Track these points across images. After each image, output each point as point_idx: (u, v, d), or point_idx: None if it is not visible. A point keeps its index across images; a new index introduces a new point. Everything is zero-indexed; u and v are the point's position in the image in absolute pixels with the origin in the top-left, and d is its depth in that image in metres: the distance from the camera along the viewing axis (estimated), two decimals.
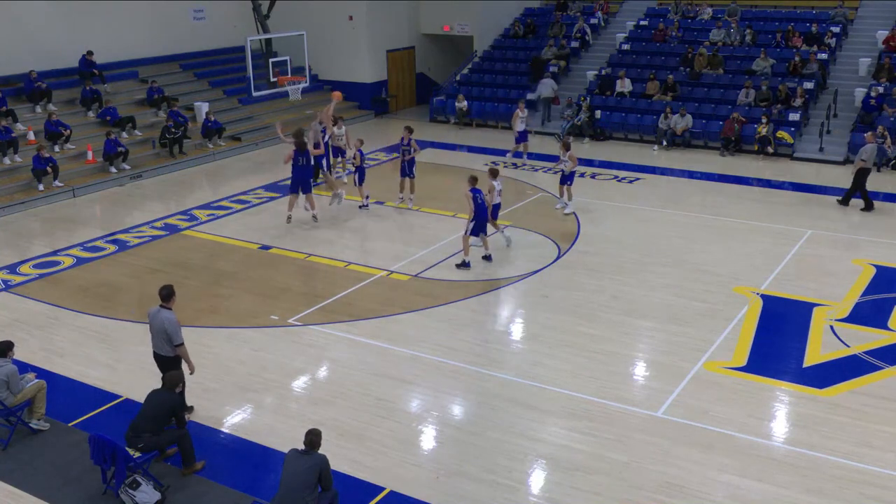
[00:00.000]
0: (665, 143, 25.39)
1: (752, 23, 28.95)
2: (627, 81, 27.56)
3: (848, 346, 12.60)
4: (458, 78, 31.28)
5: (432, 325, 13.50)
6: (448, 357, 12.29)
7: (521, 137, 24.09)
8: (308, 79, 25.79)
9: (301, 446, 8.24)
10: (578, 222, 18.11)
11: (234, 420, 10.84)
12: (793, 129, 24.31)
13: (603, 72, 28.70)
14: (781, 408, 11.16)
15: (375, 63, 31.27)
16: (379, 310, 13.96)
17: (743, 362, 12.20)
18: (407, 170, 19.39)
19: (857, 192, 18.98)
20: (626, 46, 29.96)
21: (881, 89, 24.35)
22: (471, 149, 25.80)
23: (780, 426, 10.77)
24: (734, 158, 24.20)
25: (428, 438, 10.44)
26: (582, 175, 22.31)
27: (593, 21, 31.63)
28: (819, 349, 12.58)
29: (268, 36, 27.75)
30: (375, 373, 11.82)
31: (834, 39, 27.32)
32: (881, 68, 25.34)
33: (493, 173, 16.37)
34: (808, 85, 25.51)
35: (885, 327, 13.24)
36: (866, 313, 13.76)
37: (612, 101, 27.39)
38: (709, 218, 18.64)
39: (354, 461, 9.79)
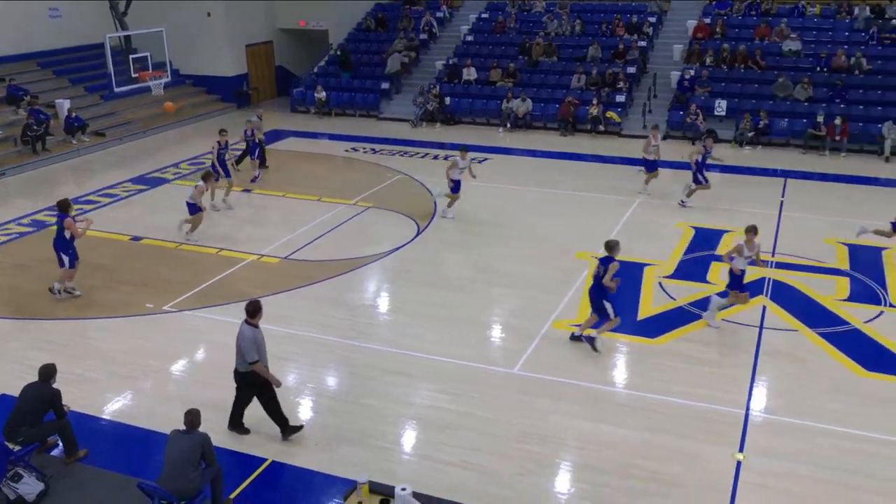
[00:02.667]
0: (509, 125, 25.90)
1: (581, 14, 29.84)
2: (473, 70, 27.89)
3: (674, 299, 13.30)
4: (315, 70, 30.82)
5: (303, 304, 13.34)
6: (320, 333, 12.20)
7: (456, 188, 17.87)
8: (169, 74, 24.79)
9: (182, 427, 8.02)
10: (435, 201, 18.25)
11: (116, 406, 10.39)
12: (619, 109, 25.30)
13: (450, 61, 28.92)
14: (621, 357, 11.67)
15: (235, 57, 30.39)
16: (252, 292, 13.65)
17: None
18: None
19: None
20: (470, 38, 30.27)
21: (692, 72, 25.68)
22: (331, 136, 25.50)
23: (620, 374, 11.28)
24: (571, 137, 24.95)
25: (305, 409, 10.35)
26: (435, 157, 22.52)
27: (439, 15, 31.78)
28: (650, 303, 13.23)
29: (127, 33, 26.46)
30: None
31: (651, 28, 28.56)
32: (692, 53, 26.70)
33: (462, 151, 17.23)
34: (631, 69, 26.59)
35: (705, 281, 14.05)
36: (688, 269, 14.55)
37: (459, 89, 27.67)
38: (551, 192, 19.20)
39: (237, 437, 9.59)
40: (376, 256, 15.29)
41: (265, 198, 19.05)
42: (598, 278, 11.47)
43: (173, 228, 16.37)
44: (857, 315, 12.72)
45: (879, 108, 23.31)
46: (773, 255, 15.11)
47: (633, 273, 14.33)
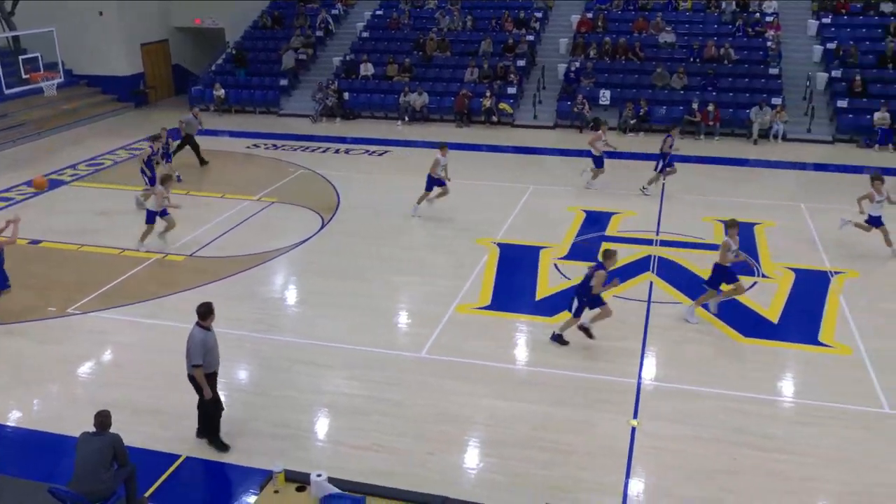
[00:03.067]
0: (407, 118, 25.85)
1: (472, 10, 30.02)
2: (370, 65, 27.69)
3: (569, 279, 13.58)
4: (213, 68, 29.96)
5: (211, 300, 12.95)
6: (230, 327, 11.88)
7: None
8: (62, 74, 23.58)
9: (92, 429, 7.70)
10: (338, 194, 18.08)
11: (22, 413, 9.90)
12: (511, 100, 25.62)
13: (347, 58, 28.62)
14: (522, 336, 11.87)
15: (130, 56, 29.19)
16: (158, 290, 13.24)
17: (488, 302, 12.84)
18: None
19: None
20: (365, 34, 30.03)
21: (578, 64, 26.25)
22: (232, 133, 24.87)
23: (522, 352, 11.47)
24: (467, 129, 25.12)
25: None
26: (336, 151, 22.29)
27: (334, 12, 31.38)
28: (547, 284, 13.50)
29: (15, 33, 25.05)
30: (161, 350, 11.17)
31: (538, 23, 29.01)
32: (577, 46, 27.28)
33: (441, 149, 16.56)
34: (521, 63, 26.96)
35: (596, 260, 14.41)
36: (581, 250, 14.89)
37: (357, 84, 27.43)
38: (451, 182, 19.25)
39: (151, 435, 9.28)
40: (282, 250, 15.03)
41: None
42: (586, 281, 11.12)
43: (73, 230, 15.65)
44: None
45: (747, 94, 24.41)
46: (657, 234, 15.65)
47: (530, 256, 14.59)
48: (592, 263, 11.52)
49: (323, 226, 16.31)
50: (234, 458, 8.90)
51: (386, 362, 11.00)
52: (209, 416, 9.01)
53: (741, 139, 23.41)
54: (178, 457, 8.93)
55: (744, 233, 15.62)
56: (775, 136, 23.17)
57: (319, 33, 30.36)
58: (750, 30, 26.80)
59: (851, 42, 25.48)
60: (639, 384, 10.40)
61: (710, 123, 23.60)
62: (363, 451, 9.03)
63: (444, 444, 9.20)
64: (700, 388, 10.29)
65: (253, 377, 10.79)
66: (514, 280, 13.71)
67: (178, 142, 20.64)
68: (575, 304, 11.22)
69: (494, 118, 25.22)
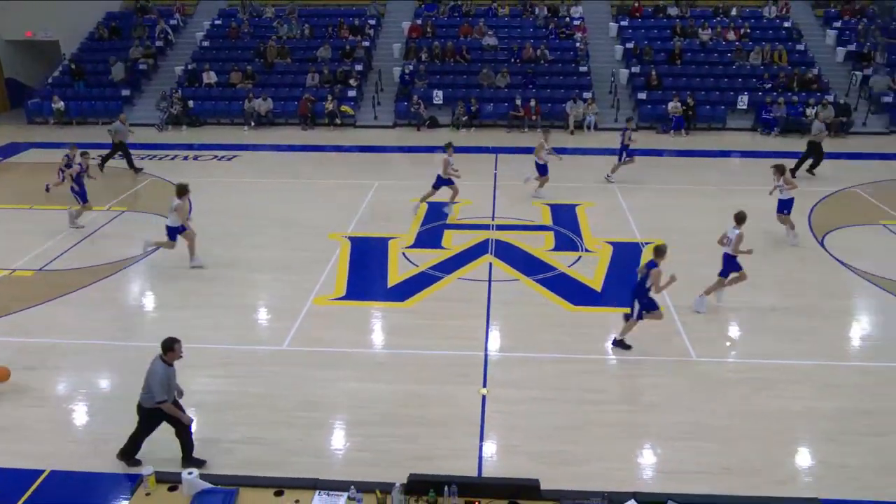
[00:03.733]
0: (253, 123, 25.13)
1: (309, 19, 29.52)
2: (212, 74, 26.67)
3: (417, 266, 13.75)
4: (50, 81, 27.77)
5: (68, 312, 12.12)
6: (89, 338, 11.17)
7: None
8: None
9: None
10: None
11: None
12: (352, 103, 25.47)
13: (189, 66, 27.41)
14: (377, 322, 11.88)
15: None
16: (9, 307, 12.18)
17: (343, 293, 12.74)
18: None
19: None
20: (206, 43, 28.84)
21: (411, 67, 26.45)
22: (78, 146, 23.08)
23: (379, 337, 11.49)
24: (312, 131, 24.74)
25: (80, 415, 9.45)
26: (185, 158, 21.34)
27: (173, 22, 29.93)
28: (397, 272, 13.57)
29: None
30: (18, 367, 10.29)
31: (372, 30, 28.96)
32: (409, 51, 27.49)
33: (447, 149, 16.10)
34: (359, 67, 26.84)
35: (440, 247, 14.67)
36: (426, 239, 15.09)
37: (201, 92, 26.34)
38: (300, 182, 18.96)
39: (15, 452, 8.56)
40: (137, 258, 14.22)
41: (9, 211, 16.96)
42: (642, 282, 10.44)
43: None
44: (561, 261, 13.95)
45: (562, 90, 25.53)
46: (493, 220, 16.10)
47: (380, 247, 14.61)
48: (437, 249, 11.66)
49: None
50: (102, 468, 8.37)
51: (250, 357, 10.69)
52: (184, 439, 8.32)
53: (560, 130, 24.46)
54: (41, 472, 8.29)
55: (567, 213, 16.46)
56: (589, 127, 24.41)
57: (159, 43, 28.86)
58: (561, 32, 28.00)
59: (646, 42, 27.23)
60: (486, 356, 10.68)
61: (533, 117, 24.51)
62: (236, 445, 8.74)
63: (314, 429, 9.07)
64: (540, 354, 10.70)
65: (115, 385, 10.15)
66: (366, 270, 13.68)
67: (108, 150, 19.62)
68: (636, 307, 10.47)
69: (337, 120, 24.98)
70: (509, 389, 9.86)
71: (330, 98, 24.90)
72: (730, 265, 11.99)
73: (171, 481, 6.32)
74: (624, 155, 18.82)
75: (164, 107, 25.30)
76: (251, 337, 11.30)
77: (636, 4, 28.93)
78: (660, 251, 10.33)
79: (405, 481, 6.15)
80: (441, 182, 16.25)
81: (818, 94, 24.75)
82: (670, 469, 8.35)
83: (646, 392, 9.82)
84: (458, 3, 29.67)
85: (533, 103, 24.50)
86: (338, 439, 8.98)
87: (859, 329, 11.64)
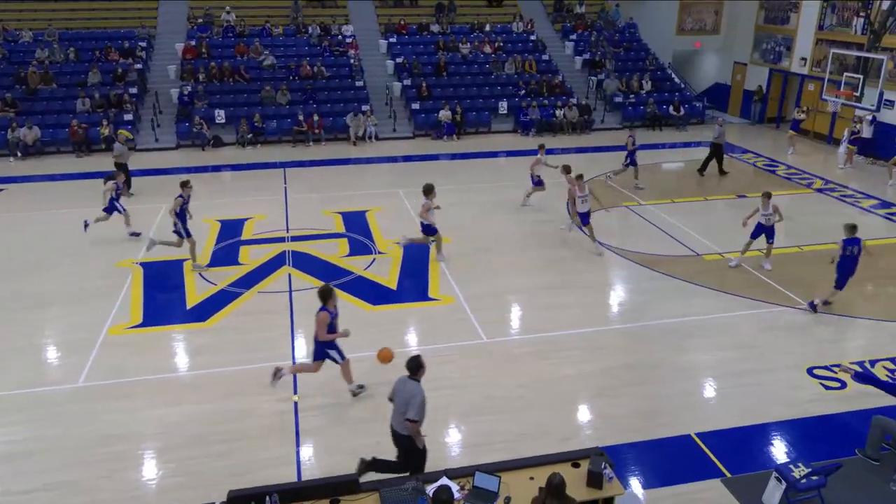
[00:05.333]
0: (20, 153, 22.50)
1: (73, 42, 26.95)
2: None
3: (215, 284, 13.11)
4: None
5: None
6: None
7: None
8: None
9: None
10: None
11: None
12: (129, 126, 23.65)
13: None
14: (180, 345, 11.17)
15: None
16: None
17: (140, 320, 11.83)
18: None
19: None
20: None
21: (190, 88, 25.11)
22: None
23: (182, 359, 10.79)
24: (90, 157, 22.62)
25: None
26: None
27: None
28: (195, 293, 12.85)
29: None
30: None
31: (144, 52, 27.08)
32: (186, 72, 26.06)
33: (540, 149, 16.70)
34: (133, 90, 24.99)
35: (237, 263, 14.11)
36: (221, 257, 14.43)
37: None
38: (81, 211, 17.22)
39: None
40: None
41: None
42: (853, 256, 11.64)
43: None
44: (357, 265, 13.99)
45: (341, 104, 25.57)
46: (287, 232, 15.76)
47: (174, 270, 13.75)
48: (234, 266, 11.19)
49: None
50: None
51: (42, 399, 9.58)
52: (418, 461, 7.45)
53: (343, 142, 24.49)
54: None
55: (357, 220, 16.54)
56: (370, 137, 24.68)
57: None
58: (335, 50, 28.02)
59: (414, 56, 28.04)
60: (294, 363, 10.43)
61: (316, 131, 24.32)
62: (33, 494, 7.80)
63: (120, 463, 8.33)
64: (347, 354, 10.63)
65: None
66: (163, 295, 12.80)
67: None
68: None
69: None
70: (320, 392, 9.72)
71: (105, 122, 22.95)
72: (761, 231, 13.63)
73: None
74: (629, 159, 19.09)
75: None
76: (42, 377, 10.13)
77: (402, 22, 29.68)
78: (852, 227, 11.62)
79: (225, 499, 5.85)
80: (536, 181, 17.14)
81: (564, 97, 26.96)
82: (474, 443, 8.69)
83: (448, 375, 10.13)
84: (232, 23, 28.63)
85: (316, 118, 24.31)
86: (148, 469, 8.32)
87: (616, 297, 12.88)
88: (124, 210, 15.71)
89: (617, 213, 17.17)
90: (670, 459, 8.45)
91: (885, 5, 21.66)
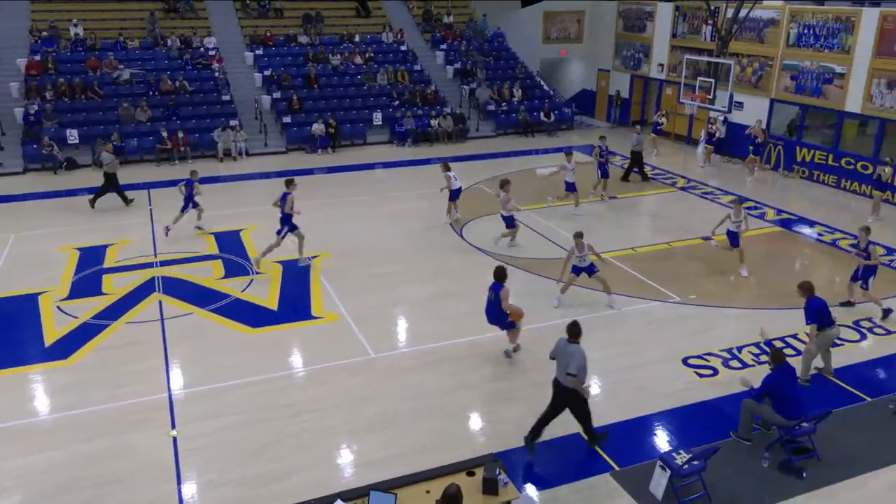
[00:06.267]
0: None
1: None
2: None
3: (77, 318, 12.28)
4: None
5: None
6: None
7: None
8: None
9: None
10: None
11: None
12: None
13: None
14: (38, 386, 10.33)
15: None
16: None
17: None
18: None
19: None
20: None
21: (36, 107, 23.42)
22: None
23: (41, 402, 9.98)
24: None
25: None
26: None
27: None
28: (54, 328, 11.97)
29: None
30: None
31: None
32: (31, 89, 24.31)
33: (446, 167, 16.72)
34: None
35: (101, 293, 13.27)
36: (82, 288, 13.54)
37: None
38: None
39: None
40: None
41: None
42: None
43: None
44: (234, 287, 13.52)
45: (208, 119, 24.70)
46: (155, 256, 15.01)
47: (28, 304, 12.75)
48: (97, 297, 10.52)
49: None
50: None
51: None
52: (586, 414, 8.74)
53: (212, 159, 23.64)
54: None
55: (231, 239, 16.02)
56: (240, 153, 23.96)
57: None
58: (197, 63, 27.05)
59: (282, 68, 27.55)
60: (170, 396, 9.93)
61: (181, 148, 23.34)
62: None
63: None
64: (227, 381, 10.26)
65: None
66: (15, 332, 11.82)
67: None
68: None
69: None
70: (201, 424, 9.29)
71: None
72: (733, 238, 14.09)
73: None
74: (600, 171, 19.26)
75: None
76: None
77: (267, 34, 29.09)
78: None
79: None
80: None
81: (438, 107, 27.34)
82: (367, 461, 8.58)
83: (334, 394, 9.95)
84: (81, 36, 27.00)
85: (180, 134, 23.33)
86: None
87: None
88: (197, 205, 16.43)
89: (496, 219, 17.55)
90: (562, 459, 8.70)
91: (730, 13, 23.49)
